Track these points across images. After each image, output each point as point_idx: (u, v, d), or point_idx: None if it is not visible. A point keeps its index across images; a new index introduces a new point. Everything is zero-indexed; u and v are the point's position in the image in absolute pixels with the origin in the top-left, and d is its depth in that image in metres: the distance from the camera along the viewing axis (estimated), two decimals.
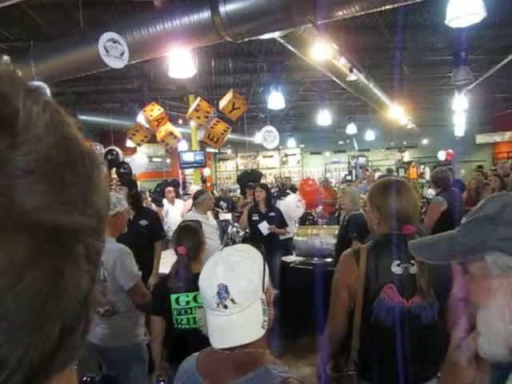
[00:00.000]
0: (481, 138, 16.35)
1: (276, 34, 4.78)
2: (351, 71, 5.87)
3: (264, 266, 1.21)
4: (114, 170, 7.66)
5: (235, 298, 1.12)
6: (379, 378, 1.69)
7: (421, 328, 1.62)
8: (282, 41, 5.05)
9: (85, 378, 2.03)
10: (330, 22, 4.58)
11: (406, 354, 1.63)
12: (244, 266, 1.17)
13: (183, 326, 2.33)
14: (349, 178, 14.72)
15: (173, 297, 2.31)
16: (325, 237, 5.44)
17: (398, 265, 1.68)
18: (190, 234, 2.44)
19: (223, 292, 1.13)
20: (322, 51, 4.68)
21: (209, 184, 14.63)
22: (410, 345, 1.62)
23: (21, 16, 5.16)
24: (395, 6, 4.23)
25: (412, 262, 1.67)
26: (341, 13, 4.26)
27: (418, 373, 1.62)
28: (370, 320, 1.68)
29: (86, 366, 2.17)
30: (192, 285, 2.24)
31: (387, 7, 4.25)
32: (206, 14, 4.30)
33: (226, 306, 1.12)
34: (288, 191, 7.77)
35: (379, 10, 4.33)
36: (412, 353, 1.64)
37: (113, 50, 3.87)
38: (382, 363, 1.68)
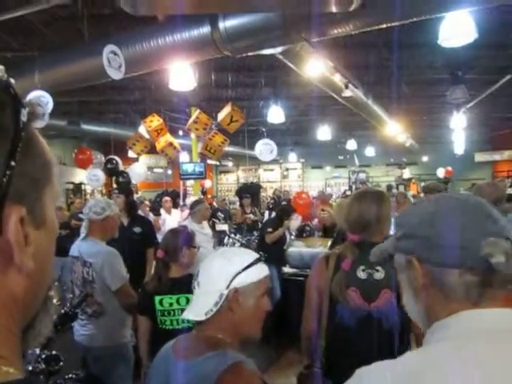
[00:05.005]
0: (479, 157, 16.37)
1: (275, 50, 4.91)
2: (346, 87, 5.99)
3: (245, 268, 1.29)
4: (114, 178, 7.79)
5: (200, 282, 1.31)
6: (341, 377, 1.74)
7: (382, 331, 1.70)
8: (280, 56, 5.19)
9: (69, 375, 2.09)
10: (327, 39, 4.71)
11: (367, 355, 1.70)
12: (219, 260, 1.31)
13: (167, 327, 2.40)
14: (348, 192, 14.76)
15: (157, 298, 2.37)
16: (318, 248, 5.50)
17: (363, 270, 1.77)
18: (168, 237, 2.50)
19: (197, 274, 1.34)
20: (316, 67, 4.81)
21: (209, 196, 14.71)
22: (371, 346, 1.69)
23: (27, 26, 5.33)
24: (389, 25, 4.35)
25: (377, 268, 1.75)
26: (336, 31, 4.37)
27: None
28: (334, 320, 1.77)
29: (71, 363, 2.24)
30: (172, 288, 2.31)
31: (382, 26, 4.37)
32: (205, 29, 4.43)
33: (194, 287, 1.33)
34: (284, 203, 7.85)
35: (375, 28, 4.46)
36: (373, 354, 1.70)
37: (113, 62, 4.00)
38: (344, 363, 1.74)
